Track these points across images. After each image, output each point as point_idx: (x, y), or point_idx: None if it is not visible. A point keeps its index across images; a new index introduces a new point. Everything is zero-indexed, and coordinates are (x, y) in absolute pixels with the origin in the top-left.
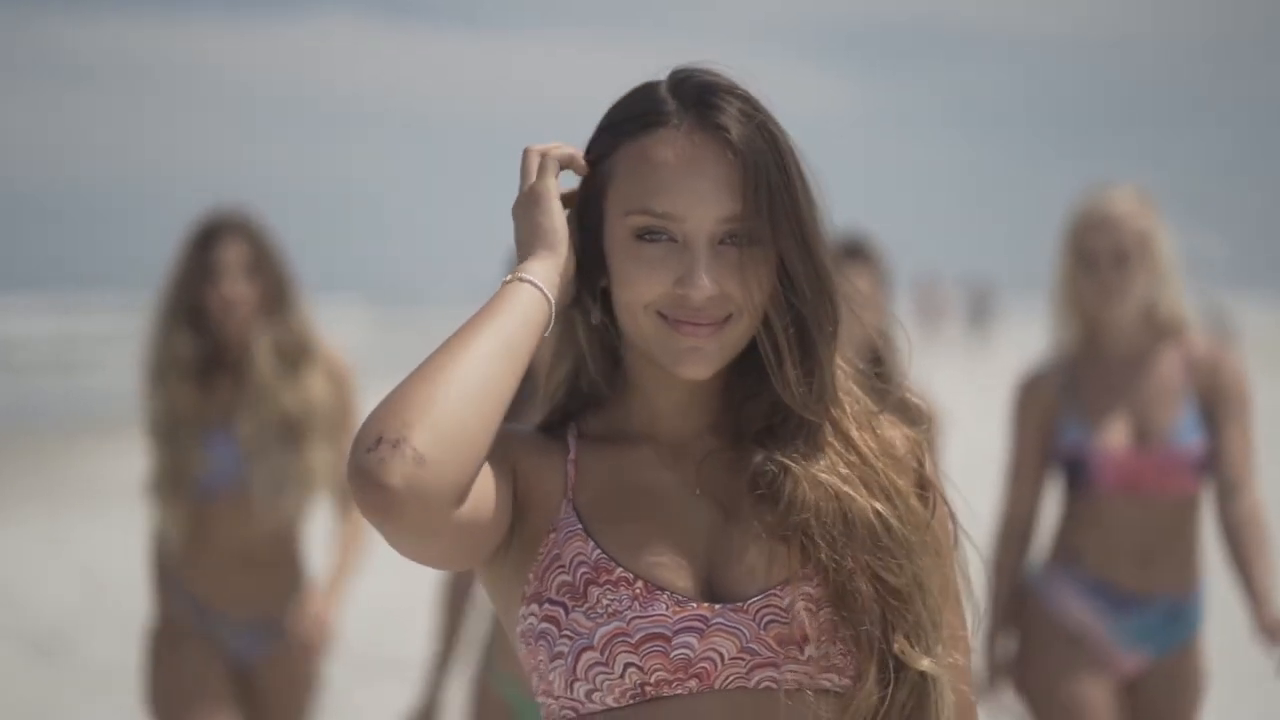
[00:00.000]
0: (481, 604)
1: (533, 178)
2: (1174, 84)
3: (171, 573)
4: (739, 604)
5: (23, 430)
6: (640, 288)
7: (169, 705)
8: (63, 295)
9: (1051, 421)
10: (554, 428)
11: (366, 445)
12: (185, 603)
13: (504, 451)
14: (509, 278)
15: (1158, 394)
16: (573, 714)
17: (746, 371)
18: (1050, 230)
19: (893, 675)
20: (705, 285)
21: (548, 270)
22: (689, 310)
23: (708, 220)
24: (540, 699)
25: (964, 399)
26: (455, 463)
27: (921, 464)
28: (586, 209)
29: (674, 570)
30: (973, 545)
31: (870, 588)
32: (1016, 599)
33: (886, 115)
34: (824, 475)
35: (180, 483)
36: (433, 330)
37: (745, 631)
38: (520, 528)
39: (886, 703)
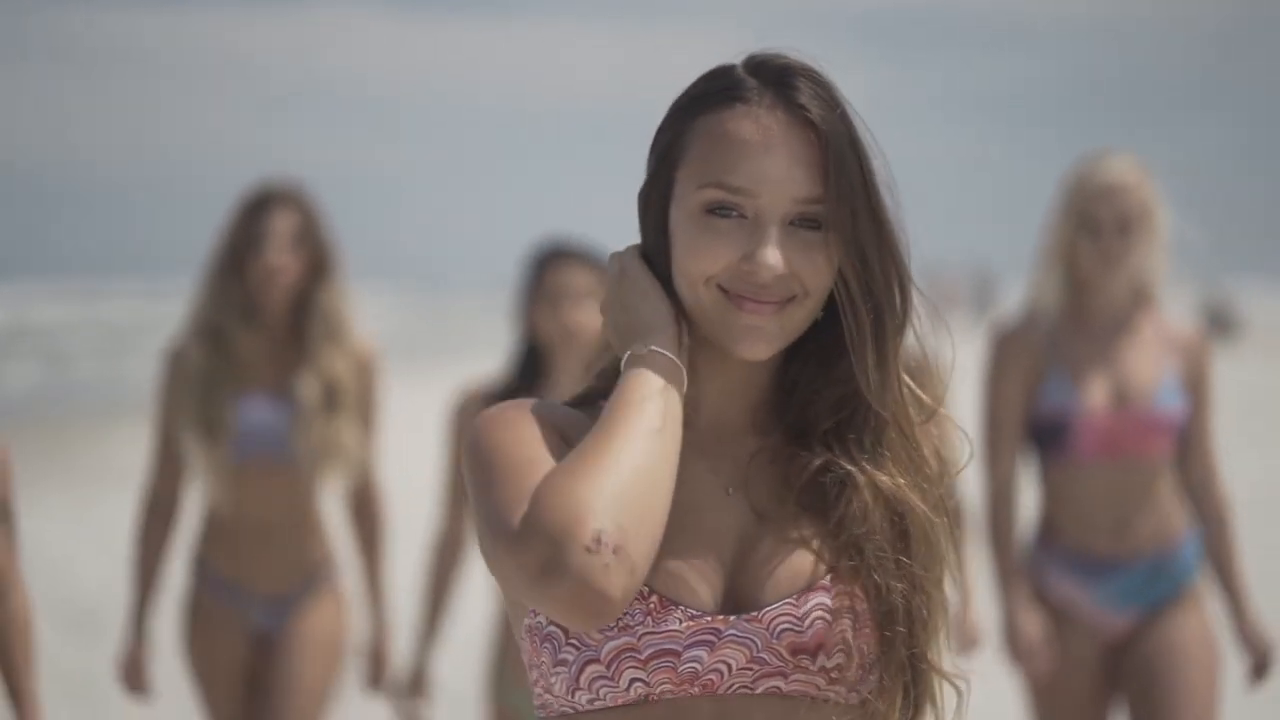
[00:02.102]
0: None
1: (619, 271)
2: (1177, 71)
3: (195, 552)
4: (754, 614)
5: (53, 415)
6: (705, 260)
7: (197, 691)
8: (87, 282)
9: (1034, 379)
10: (588, 404)
11: (584, 543)
12: (207, 581)
13: (555, 429)
14: (640, 351)
15: (1139, 358)
16: (570, 712)
17: (799, 364)
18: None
19: (915, 691)
20: (773, 263)
21: (669, 343)
22: (753, 287)
23: (782, 199)
24: (536, 690)
25: (975, 386)
26: (648, 564)
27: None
28: (656, 184)
29: (692, 580)
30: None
31: (913, 604)
32: (1020, 568)
33: (890, 103)
34: (886, 482)
35: (218, 435)
36: (455, 317)
37: (757, 641)
38: None
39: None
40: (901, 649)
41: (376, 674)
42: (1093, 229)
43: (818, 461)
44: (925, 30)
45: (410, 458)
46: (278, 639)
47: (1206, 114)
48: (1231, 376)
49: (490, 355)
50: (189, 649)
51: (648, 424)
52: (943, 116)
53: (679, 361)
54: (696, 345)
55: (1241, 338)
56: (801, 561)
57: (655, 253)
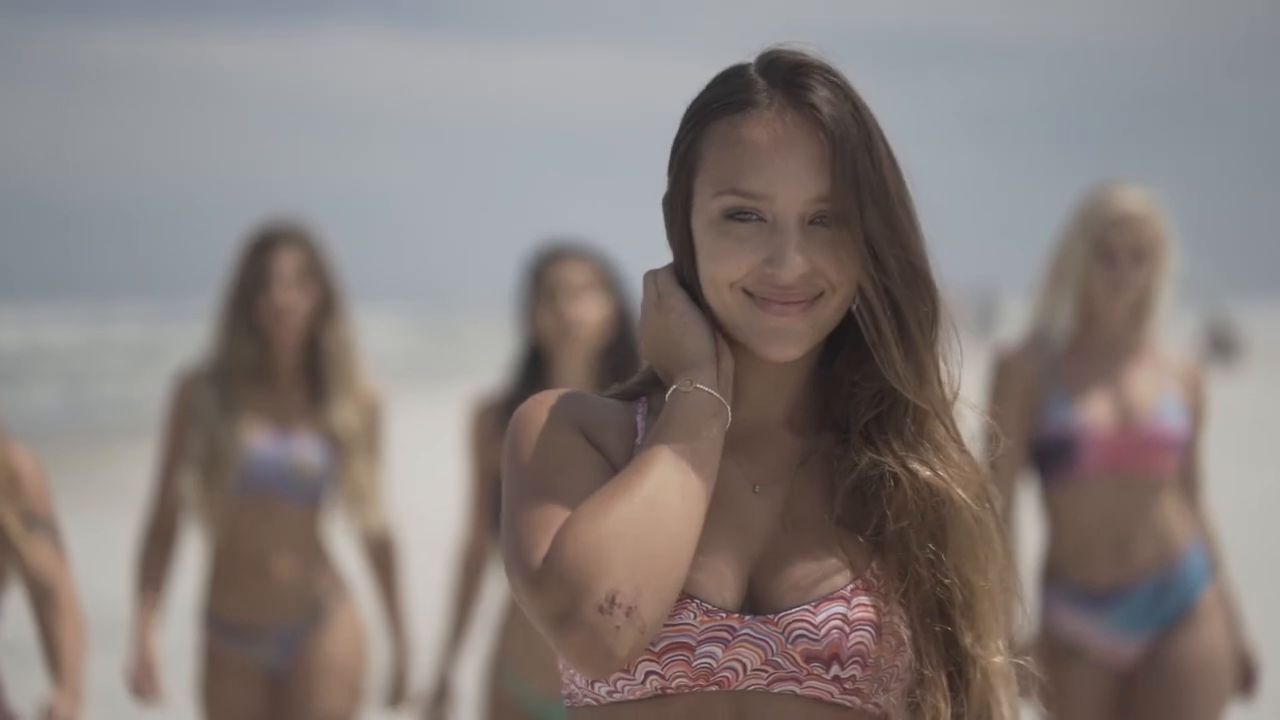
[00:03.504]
0: (490, 600)
1: (656, 296)
2: (1179, 90)
3: (202, 605)
4: (770, 616)
5: (67, 434)
6: (728, 265)
7: None
8: (98, 303)
9: (1033, 402)
10: (629, 397)
11: (598, 601)
12: (216, 630)
13: (582, 428)
14: (685, 388)
15: (1140, 378)
16: (594, 703)
17: (838, 360)
18: (1050, 233)
19: (962, 682)
20: (795, 265)
21: (712, 378)
22: (778, 290)
23: (797, 200)
24: (564, 680)
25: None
26: (661, 620)
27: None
28: (676, 192)
29: (711, 575)
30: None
31: (957, 597)
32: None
33: (889, 123)
34: (927, 474)
35: (224, 471)
36: (458, 337)
37: (772, 644)
38: None
39: (963, 714)
40: (945, 643)
41: (397, 693)
42: (1108, 256)
43: (862, 461)
44: (924, 50)
45: (415, 478)
46: (292, 673)
47: (1208, 133)
48: (1232, 397)
49: (494, 375)
50: (205, 700)
51: (682, 474)
52: (942, 136)
53: (724, 399)
54: (730, 347)
55: (1241, 359)
56: (825, 569)
57: (682, 260)
